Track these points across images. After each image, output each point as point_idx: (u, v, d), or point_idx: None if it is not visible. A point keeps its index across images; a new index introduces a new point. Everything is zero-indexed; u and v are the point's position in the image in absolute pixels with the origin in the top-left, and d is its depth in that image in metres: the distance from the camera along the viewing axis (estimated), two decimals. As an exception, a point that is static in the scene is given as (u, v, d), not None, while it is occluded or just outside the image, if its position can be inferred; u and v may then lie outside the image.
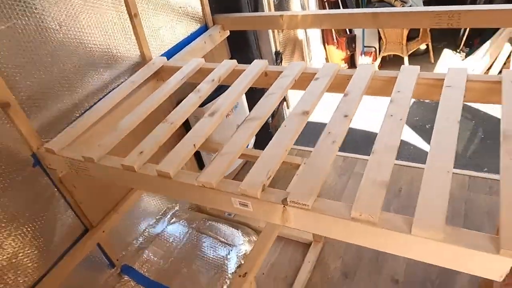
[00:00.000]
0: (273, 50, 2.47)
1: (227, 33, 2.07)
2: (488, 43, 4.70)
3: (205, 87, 1.34)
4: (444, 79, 1.09)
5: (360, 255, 1.84)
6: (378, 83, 1.20)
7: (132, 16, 1.50)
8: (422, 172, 0.82)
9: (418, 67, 1.18)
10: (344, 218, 0.78)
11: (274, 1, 2.30)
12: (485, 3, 5.17)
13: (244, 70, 1.41)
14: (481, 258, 0.68)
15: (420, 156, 3.60)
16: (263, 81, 1.40)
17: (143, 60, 1.62)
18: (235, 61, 1.48)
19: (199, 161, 2.08)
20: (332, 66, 1.28)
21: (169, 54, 1.76)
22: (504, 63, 4.46)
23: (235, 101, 1.26)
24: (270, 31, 2.37)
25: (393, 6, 4.86)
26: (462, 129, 3.98)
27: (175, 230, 1.89)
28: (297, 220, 0.86)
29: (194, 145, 1.07)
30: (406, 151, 3.79)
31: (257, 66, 1.40)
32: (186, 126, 1.75)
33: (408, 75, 1.15)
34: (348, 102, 1.10)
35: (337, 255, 1.86)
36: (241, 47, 2.19)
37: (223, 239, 1.84)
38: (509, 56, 4.38)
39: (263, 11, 2.23)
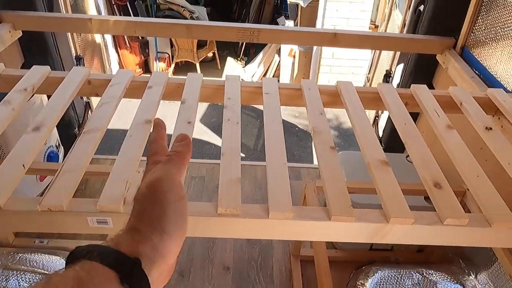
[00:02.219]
0: (74, 54, 2.27)
1: (19, 33, 1.79)
2: (261, 53, 5.57)
3: (17, 98, 1.16)
4: (261, 87, 1.30)
5: (192, 254, 1.94)
6: (207, 90, 1.32)
7: None
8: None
9: (239, 76, 1.35)
10: (212, 216, 0.86)
11: (70, 1, 2.11)
12: (255, 19, 6.09)
13: (61, 77, 1.28)
14: (318, 225, 0.88)
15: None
16: (87, 90, 1.31)
17: None
18: (48, 67, 1.32)
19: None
20: (162, 74, 1.32)
21: None
22: (275, 71, 5.40)
23: (61, 113, 1.14)
24: (68, 34, 2.17)
25: (181, 14, 5.15)
26: (251, 126, 4.62)
27: (-28, 274, 1.52)
28: (163, 227, 0.88)
29: (23, 165, 0.93)
30: (209, 150, 4.12)
31: (79, 73, 1.29)
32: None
33: (233, 83, 1.31)
34: (187, 109, 1.17)
35: (170, 258, 1.90)
36: (38, 50, 1.93)
37: (41, 270, 1.60)
38: (278, 65, 5.32)
39: (59, 11, 2.02)
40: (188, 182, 2.31)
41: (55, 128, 1.98)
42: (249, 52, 6.16)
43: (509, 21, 1.46)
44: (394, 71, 2.36)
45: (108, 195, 0.87)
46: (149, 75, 1.32)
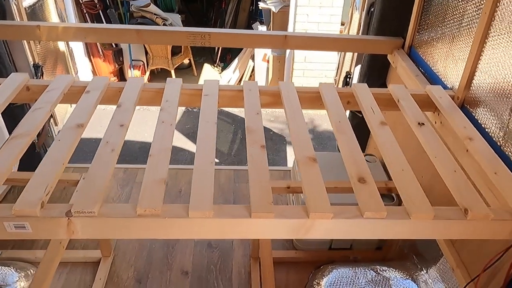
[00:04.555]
0: (31, 62, 2.24)
1: (-33, 41, 1.77)
2: (236, 59, 5.59)
3: None
4: (202, 89, 1.31)
5: (150, 259, 1.92)
6: (148, 94, 1.32)
7: None
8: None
9: (181, 79, 1.36)
10: (131, 217, 0.86)
11: (26, 9, 2.09)
12: (231, 25, 6.13)
13: (-1, 84, 1.27)
14: (239, 223, 0.88)
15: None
16: (25, 96, 1.30)
17: None
18: (-15, 74, 1.31)
19: None
20: (102, 79, 1.32)
21: None
22: (250, 75, 5.43)
23: (-7, 119, 1.13)
24: (24, 42, 2.15)
25: (154, 22, 5.15)
26: (226, 132, 4.63)
27: None
28: (84, 230, 0.87)
29: None
30: (182, 157, 4.10)
31: (16, 79, 1.28)
32: None
33: (173, 86, 1.31)
34: (122, 112, 1.17)
35: (128, 265, 1.88)
36: (-11, 58, 1.91)
37: (-10, 282, 1.57)
38: (252, 70, 5.35)
39: (12, 19, 2.00)
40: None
41: (7, 134, 1.95)
42: (226, 58, 6.18)
43: (446, 21, 1.50)
44: (353, 72, 2.40)
45: (26, 199, 0.86)
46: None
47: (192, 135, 4.42)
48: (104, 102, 1.27)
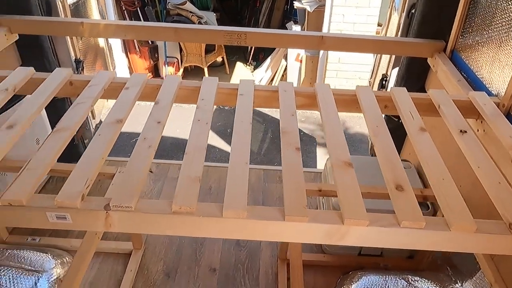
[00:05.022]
0: (73, 58, 2.33)
1: (16, 36, 1.85)
2: (269, 58, 5.59)
3: (-3, 97, 1.20)
4: (237, 89, 1.31)
5: (180, 254, 1.96)
6: (184, 92, 1.33)
7: None
8: (227, 170, 0.98)
9: (217, 78, 1.37)
10: (166, 213, 0.87)
11: (70, 6, 2.17)
12: (265, 24, 6.13)
13: (44, 79, 1.32)
14: (272, 225, 0.88)
15: (225, 157, 4.01)
16: (68, 90, 1.35)
17: None
18: (31, 68, 1.36)
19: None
20: (141, 76, 1.35)
21: None
22: (282, 75, 5.41)
23: (38, 113, 1.18)
24: (67, 38, 2.23)
25: (190, 20, 5.22)
26: (256, 131, 4.63)
27: (-39, 269, 1.57)
28: (121, 224, 0.90)
29: (-9, 161, 0.96)
30: (213, 154, 4.14)
31: (60, 74, 1.33)
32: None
33: (210, 85, 1.32)
34: (159, 110, 1.19)
35: (158, 258, 1.92)
36: (34, 53, 1.99)
37: (29, 267, 1.63)
38: (285, 70, 5.33)
39: (57, 15, 2.08)
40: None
41: (49, 128, 2.03)
42: (258, 57, 6.19)
43: (493, 24, 1.43)
44: (390, 75, 2.34)
45: (67, 191, 0.89)
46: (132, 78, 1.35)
47: (222, 133, 4.46)
48: (142, 99, 1.30)
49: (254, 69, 6.02)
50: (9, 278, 1.61)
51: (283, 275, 1.83)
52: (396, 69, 2.25)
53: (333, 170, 1.00)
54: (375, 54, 3.32)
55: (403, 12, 2.15)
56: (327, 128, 1.15)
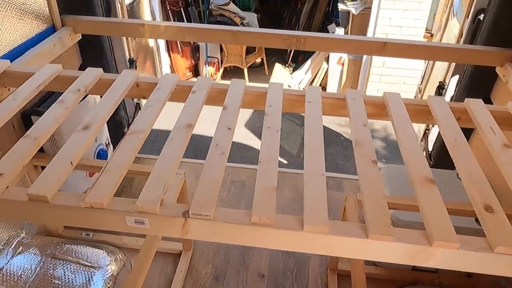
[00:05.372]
0: (127, 57, 2.37)
1: (79, 36, 1.90)
2: (309, 60, 5.52)
3: (71, 98, 1.22)
4: (304, 95, 1.28)
5: (228, 257, 1.95)
6: (250, 97, 1.32)
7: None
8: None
9: (282, 84, 1.34)
10: (245, 224, 0.85)
11: (127, 7, 2.21)
12: (305, 26, 6.07)
13: (112, 79, 1.34)
14: (355, 243, 0.84)
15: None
16: (135, 92, 1.36)
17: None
18: (100, 69, 1.39)
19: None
20: (206, 79, 1.34)
21: (10, 56, 1.52)
22: (323, 78, 5.33)
23: (110, 114, 1.19)
24: (123, 38, 2.27)
25: (232, 20, 5.24)
26: (295, 133, 4.59)
27: (24, 261, 1.62)
28: (197, 232, 0.89)
29: (71, 162, 0.98)
30: (252, 156, 4.13)
31: (128, 76, 1.35)
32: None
33: (276, 91, 1.30)
34: (228, 115, 1.18)
35: (207, 261, 1.92)
36: (94, 53, 2.04)
37: (86, 262, 1.67)
38: (326, 72, 5.25)
39: (116, 16, 2.13)
40: (228, 186, 2.32)
41: (106, 127, 2.08)
42: (297, 59, 6.13)
43: None
44: (448, 83, 2.24)
45: (147, 196, 0.89)
46: (195, 80, 1.35)
47: (260, 134, 4.44)
48: (209, 103, 1.30)
49: (293, 71, 5.97)
50: (66, 272, 1.66)
51: (333, 285, 1.78)
52: (456, 77, 2.15)
53: (415, 186, 0.95)
54: (427, 60, 3.20)
55: (467, 18, 2.05)
56: (402, 140, 1.10)
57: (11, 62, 1.46)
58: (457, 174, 1.85)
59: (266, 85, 1.34)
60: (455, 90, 2.07)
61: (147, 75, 2.08)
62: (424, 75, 3.18)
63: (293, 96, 1.30)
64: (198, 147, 3.90)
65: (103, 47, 2.03)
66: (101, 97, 1.27)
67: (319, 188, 0.92)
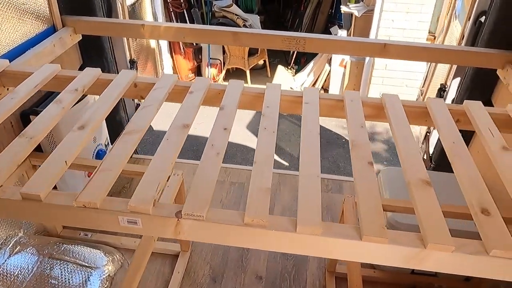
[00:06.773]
0: (128, 58, 2.38)
1: (79, 37, 1.91)
2: (312, 62, 5.52)
3: (68, 98, 1.22)
4: (302, 96, 1.28)
5: (226, 259, 1.94)
6: (247, 97, 1.31)
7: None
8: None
9: (280, 84, 1.34)
10: (238, 225, 0.85)
11: (128, 7, 2.22)
12: (308, 28, 6.06)
13: (110, 79, 1.34)
14: (348, 244, 0.83)
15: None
16: (133, 92, 1.36)
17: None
18: (99, 69, 1.39)
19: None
20: (204, 80, 1.34)
21: (10, 56, 1.52)
22: (325, 80, 5.32)
23: (107, 114, 1.19)
24: (124, 39, 2.28)
25: (235, 22, 5.24)
26: (296, 135, 4.57)
27: (21, 260, 1.63)
28: (190, 232, 0.88)
29: (66, 162, 0.97)
30: (253, 157, 4.11)
31: (126, 76, 1.35)
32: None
33: (273, 92, 1.29)
34: (224, 116, 1.17)
35: (204, 262, 1.91)
36: (95, 53, 2.05)
37: (83, 262, 1.67)
38: (328, 74, 5.24)
39: (117, 17, 2.13)
40: (228, 188, 2.32)
41: (105, 127, 2.08)
42: (300, 61, 6.12)
43: None
44: (450, 85, 2.23)
45: (140, 196, 0.89)
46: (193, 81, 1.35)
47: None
48: (206, 103, 1.29)
49: (295, 73, 5.96)
50: (63, 272, 1.66)
51: (331, 288, 1.77)
52: (457, 79, 2.14)
53: (410, 188, 0.94)
54: (428, 62, 3.19)
55: (469, 20, 2.04)
56: (399, 142, 1.09)
57: (10, 62, 1.46)
58: (457, 177, 1.83)
59: (264, 87, 1.33)
60: (456, 92, 2.06)
61: (143, 76, 2.09)
62: (426, 77, 3.16)
63: (291, 97, 1.30)
64: (199, 148, 3.90)
65: (104, 48, 2.04)
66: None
67: (313, 190, 0.92)
